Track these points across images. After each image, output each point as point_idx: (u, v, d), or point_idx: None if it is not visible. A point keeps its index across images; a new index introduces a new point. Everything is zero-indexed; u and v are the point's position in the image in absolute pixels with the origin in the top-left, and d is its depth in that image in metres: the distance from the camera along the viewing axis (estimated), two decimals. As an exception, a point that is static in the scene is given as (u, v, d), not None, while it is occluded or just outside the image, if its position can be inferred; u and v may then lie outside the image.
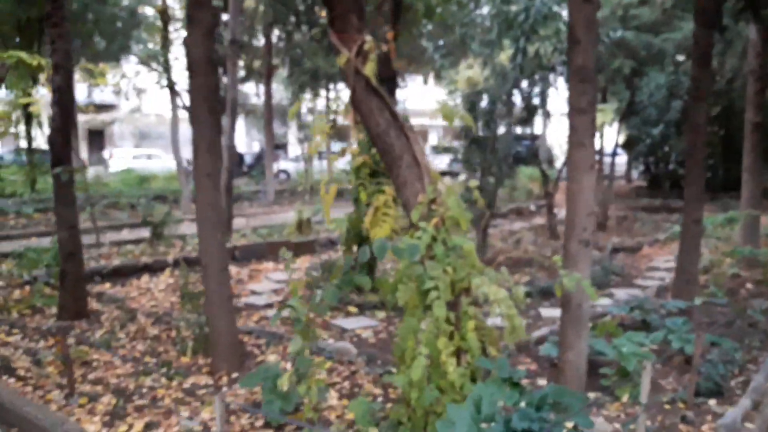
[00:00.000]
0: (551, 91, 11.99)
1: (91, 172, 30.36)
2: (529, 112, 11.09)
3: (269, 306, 7.73)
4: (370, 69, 3.52)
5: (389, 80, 8.17)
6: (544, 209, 20.14)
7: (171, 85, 15.76)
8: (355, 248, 8.27)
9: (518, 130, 12.44)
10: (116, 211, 15.13)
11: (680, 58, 18.41)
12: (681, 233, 7.06)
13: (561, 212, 19.62)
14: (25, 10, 13.43)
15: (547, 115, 11.41)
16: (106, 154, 35.85)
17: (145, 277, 9.00)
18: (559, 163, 31.95)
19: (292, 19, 14.36)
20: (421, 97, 30.23)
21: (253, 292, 8.46)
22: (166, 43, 15.84)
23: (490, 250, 11.97)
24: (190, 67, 4.84)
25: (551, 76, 10.71)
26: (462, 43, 11.42)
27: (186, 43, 4.86)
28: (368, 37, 3.56)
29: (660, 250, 12.50)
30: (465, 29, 11.08)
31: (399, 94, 33.68)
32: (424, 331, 3.46)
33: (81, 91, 31.18)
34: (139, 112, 38.19)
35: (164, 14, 15.57)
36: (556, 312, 7.61)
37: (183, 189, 16.20)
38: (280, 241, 11.09)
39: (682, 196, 18.53)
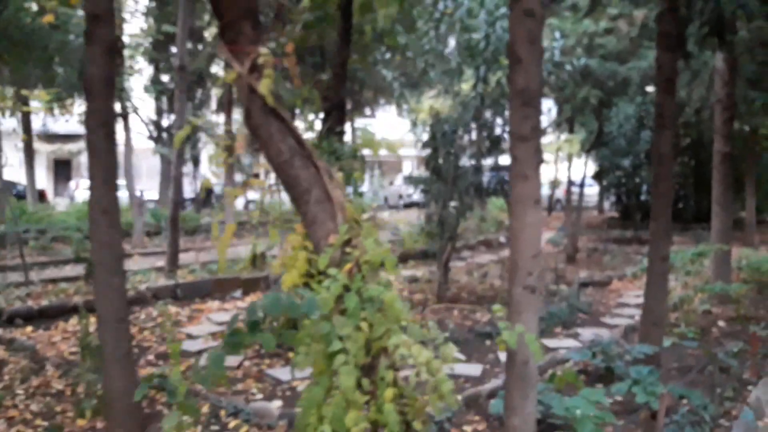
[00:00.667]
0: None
1: (54, 203, 29.38)
2: (492, 142, 10.62)
3: (203, 352, 7.02)
4: (266, 86, 2.96)
5: (337, 107, 7.66)
6: (514, 241, 19.75)
7: (124, 114, 15.16)
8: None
9: (488, 161, 12.07)
10: (63, 245, 14.31)
11: (649, 89, 18.28)
12: (647, 271, 6.55)
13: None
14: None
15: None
16: (72, 184, 34.98)
17: (74, 320, 8.25)
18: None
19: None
20: (394, 129, 29.88)
21: (189, 336, 7.75)
22: (119, 71, 15.24)
23: (453, 285, 11.40)
24: (87, 88, 4.25)
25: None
26: (424, 72, 10.98)
27: (83, 61, 4.27)
28: (264, 50, 3.00)
29: (630, 284, 12.03)
30: (425, 57, 10.64)
31: (374, 126, 33.28)
32: (331, 404, 2.84)
33: (38, 121, 30.28)
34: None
35: (117, 41, 15.01)
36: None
37: (135, 221, 15.44)
38: (228, 278, 10.41)
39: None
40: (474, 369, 6.59)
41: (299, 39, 8.18)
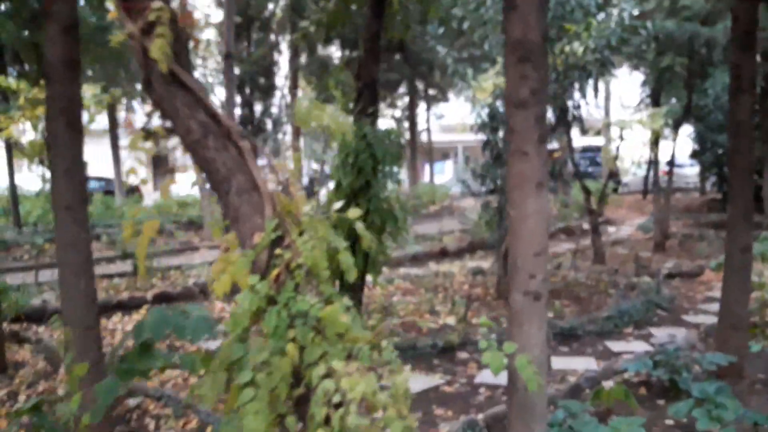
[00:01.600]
0: (589, 95, 10.54)
1: (147, 198, 30.49)
2: (559, 118, 9.64)
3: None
4: (158, 48, 2.37)
5: (369, 87, 7.00)
6: (599, 227, 18.37)
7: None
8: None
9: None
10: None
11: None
12: (725, 265, 5.53)
13: (621, 230, 17.79)
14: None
15: (580, 122, 9.89)
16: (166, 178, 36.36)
17: (116, 317, 8.12)
18: (627, 176, 29.78)
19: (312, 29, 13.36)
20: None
21: (223, 334, 7.40)
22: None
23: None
24: (45, 72, 3.85)
25: (582, 78, 9.22)
26: (481, 45, 10.11)
27: (43, 42, 3.88)
28: (157, 3, 2.41)
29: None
30: (484, 28, 9.78)
31: (445, 109, 32.18)
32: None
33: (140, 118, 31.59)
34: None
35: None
36: (574, 363, 6.18)
37: (205, 214, 15.50)
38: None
39: (759, 210, 16.11)
40: (518, 377, 5.80)
41: (333, 14, 7.61)
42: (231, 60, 10.56)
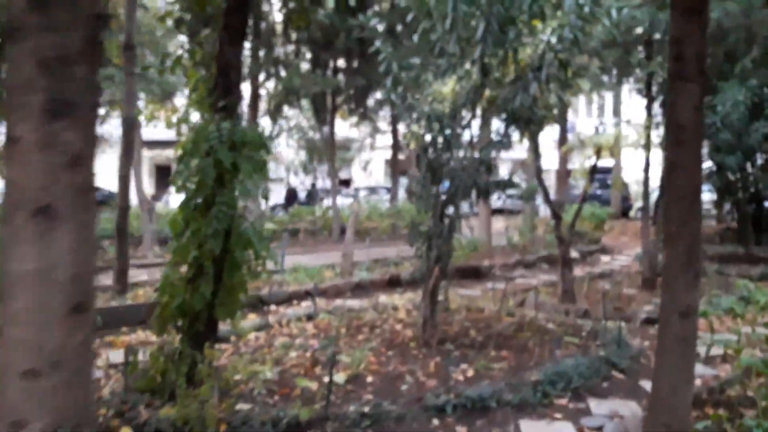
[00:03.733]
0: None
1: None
2: (508, 130, 7.94)
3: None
4: None
5: (224, 73, 5.45)
6: (591, 256, 16.52)
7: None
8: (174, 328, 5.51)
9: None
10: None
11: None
12: (659, 335, 3.82)
13: (615, 260, 15.95)
14: None
15: (532, 132, 8.25)
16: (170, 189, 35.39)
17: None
18: (638, 202, 27.80)
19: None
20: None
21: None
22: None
23: (471, 316, 8.75)
24: None
25: (534, 80, 7.52)
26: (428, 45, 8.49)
27: None
28: None
29: (718, 318, 8.82)
30: (428, 22, 8.18)
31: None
32: None
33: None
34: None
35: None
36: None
37: (144, 229, 14.03)
38: (171, 302, 8.46)
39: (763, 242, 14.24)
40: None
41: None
42: (132, 52, 9.09)
